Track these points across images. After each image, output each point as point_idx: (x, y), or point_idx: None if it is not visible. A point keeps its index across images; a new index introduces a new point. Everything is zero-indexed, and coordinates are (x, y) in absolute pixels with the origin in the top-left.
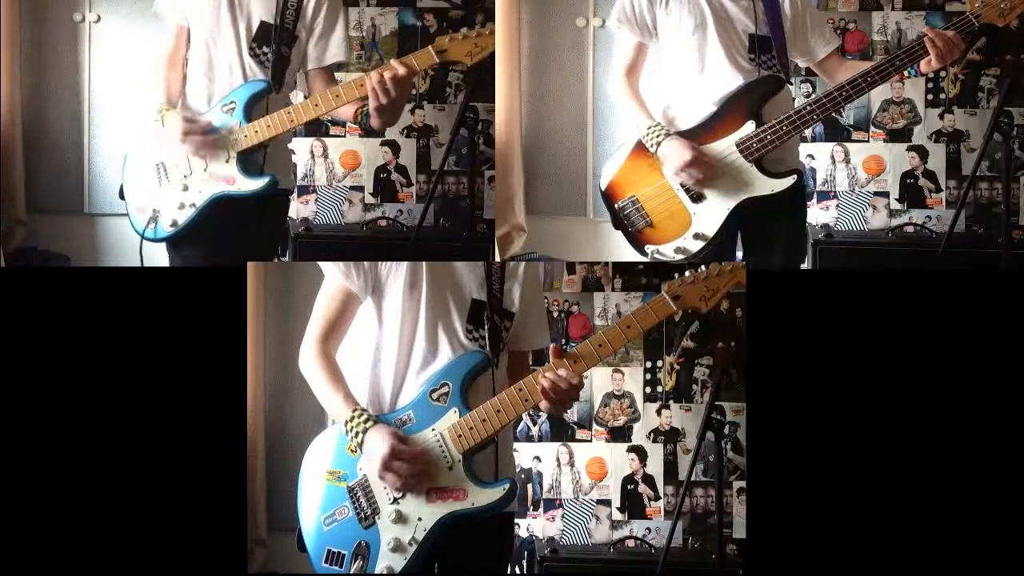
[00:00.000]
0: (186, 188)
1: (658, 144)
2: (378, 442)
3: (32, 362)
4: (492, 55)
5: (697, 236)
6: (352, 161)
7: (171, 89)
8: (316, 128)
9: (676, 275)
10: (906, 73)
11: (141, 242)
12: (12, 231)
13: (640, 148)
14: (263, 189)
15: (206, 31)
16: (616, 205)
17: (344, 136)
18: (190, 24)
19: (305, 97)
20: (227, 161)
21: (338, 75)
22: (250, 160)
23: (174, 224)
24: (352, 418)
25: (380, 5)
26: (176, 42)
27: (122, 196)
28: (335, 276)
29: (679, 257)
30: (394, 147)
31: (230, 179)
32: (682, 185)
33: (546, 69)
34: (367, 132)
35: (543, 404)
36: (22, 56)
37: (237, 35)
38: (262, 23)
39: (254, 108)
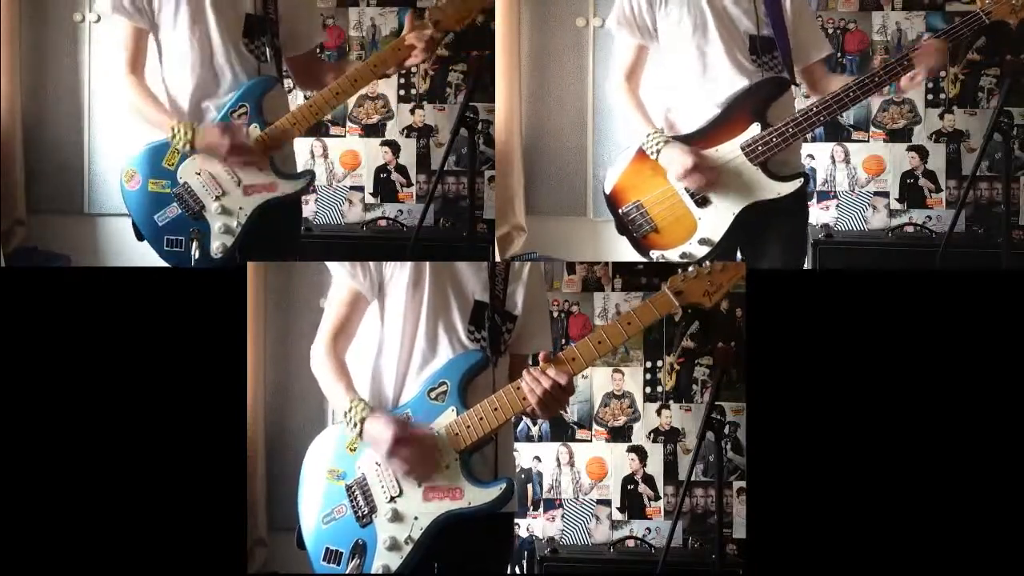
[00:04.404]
0: (224, 209)
1: (658, 152)
2: (380, 429)
3: (32, 362)
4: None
5: (703, 241)
6: (352, 161)
7: (164, 102)
8: (316, 128)
9: (679, 270)
10: (886, 90)
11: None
12: (12, 231)
13: (643, 153)
14: (304, 188)
15: (184, 28)
16: (621, 210)
17: (344, 136)
18: (159, 23)
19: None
20: (261, 169)
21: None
22: (281, 161)
23: (223, 248)
24: (351, 408)
25: (380, 5)
26: (135, 46)
27: (140, 238)
28: (343, 278)
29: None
30: (394, 147)
31: (271, 186)
32: (686, 190)
33: (546, 69)
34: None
35: (531, 407)
36: (22, 56)
37: (224, 29)
38: (247, 16)
39: (264, 106)
